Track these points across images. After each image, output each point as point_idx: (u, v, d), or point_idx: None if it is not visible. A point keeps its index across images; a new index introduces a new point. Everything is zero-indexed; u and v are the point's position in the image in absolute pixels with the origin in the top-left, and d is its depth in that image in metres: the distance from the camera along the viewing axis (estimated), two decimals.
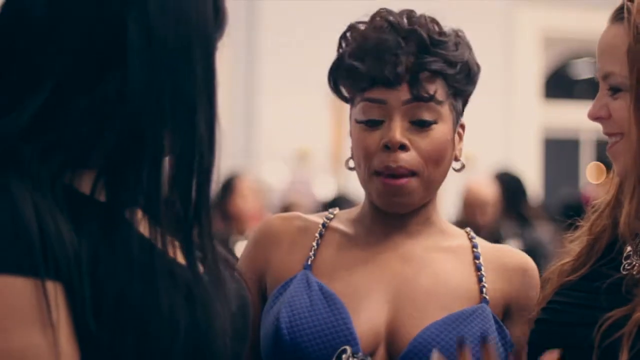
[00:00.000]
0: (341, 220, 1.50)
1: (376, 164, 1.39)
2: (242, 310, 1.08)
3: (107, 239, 0.93)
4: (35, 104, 0.94)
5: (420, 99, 1.39)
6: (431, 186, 1.43)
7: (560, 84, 9.16)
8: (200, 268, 1.02)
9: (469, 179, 5.58)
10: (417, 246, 1.46)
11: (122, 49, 0.95)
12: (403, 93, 1.39)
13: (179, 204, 0.97)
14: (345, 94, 1.45)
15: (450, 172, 1.48)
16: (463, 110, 1.49)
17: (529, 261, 1.49)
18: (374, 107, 1.40)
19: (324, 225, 1.49)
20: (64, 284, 0.89)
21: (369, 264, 1.44)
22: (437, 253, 1.46)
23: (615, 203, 1.42)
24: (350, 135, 1.46)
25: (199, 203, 0.99)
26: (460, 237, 1.50)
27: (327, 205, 5.37)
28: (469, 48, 1.46)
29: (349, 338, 1.35)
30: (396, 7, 1.48)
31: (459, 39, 1.45)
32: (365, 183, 1.43)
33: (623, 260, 1.37)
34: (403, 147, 1.38)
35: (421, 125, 1.40)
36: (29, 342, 0.86)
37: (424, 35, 1.41)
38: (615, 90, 1.36)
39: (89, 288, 0.90)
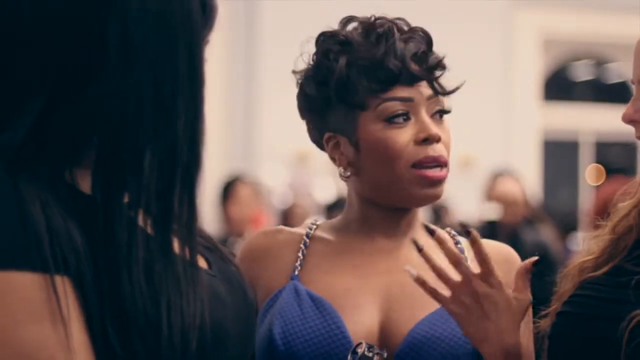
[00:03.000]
0: (324, 230, 1.52)
1: (414, 156, 1.42)
2: (246, 313, 1.08)
3: (108, 236, 0.93)
4: (31, 117, 0.95)
5: (441, 93, 1.46)
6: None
7: (559, 86, 9.17)
8: (204, 265, 1.03)
9: (485, 176, 5.57)
10: (402, 244, 1.48)
11: (104, 52, 0.95)
12: (424, 89, 1.44)
13: (158, 204, 0.97)
14: (356, 99, 1.44)
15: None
16: None
17: (511, 252, 1.52)
18: (400, 105, 1.43)
19: (307, 235, 1.51)
20: (72, 279, 0.90)
21: (356, 267, 1.46)
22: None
23: None
24: (361, 140, 1.45)
25: (181, 203, 0.99)
26: (441, 233, 1.51)
27: (328, 208, 5.37)
28: None
29: (344, 342, 1.36)
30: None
31: None
32: (397, 180, 1.43)
33: None
34: (439, 140, 1.44)
35: (439, 118, 1.46)
36: (41, 336, 0.87)
37: (427, 33, 1.47)
38: None
39: (94, 284, 0.91)
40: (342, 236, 1.49)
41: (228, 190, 4.78)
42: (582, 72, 9.41)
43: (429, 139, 1.42)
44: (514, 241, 4.62)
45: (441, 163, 1.43)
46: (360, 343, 1.35)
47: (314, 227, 1.53)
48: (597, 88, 9.29)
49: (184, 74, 0.99)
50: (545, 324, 1.47)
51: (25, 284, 0.87)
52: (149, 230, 0.97)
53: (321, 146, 1.52)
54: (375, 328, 1.40)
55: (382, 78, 1.42)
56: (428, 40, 1.46)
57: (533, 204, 5.08)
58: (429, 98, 1.44)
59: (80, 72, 0.96)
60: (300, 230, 1.53)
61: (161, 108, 0.97)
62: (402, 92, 1.42)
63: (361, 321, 1.40)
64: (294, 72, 1.51)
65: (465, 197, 6.64)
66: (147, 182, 0.96)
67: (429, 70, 1.44)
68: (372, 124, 1.43)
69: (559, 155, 9.16)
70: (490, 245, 1.51)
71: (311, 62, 1.49)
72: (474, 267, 1.45)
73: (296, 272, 1.46)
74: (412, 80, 1.42)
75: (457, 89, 1.49)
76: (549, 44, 8.53)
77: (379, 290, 1.43)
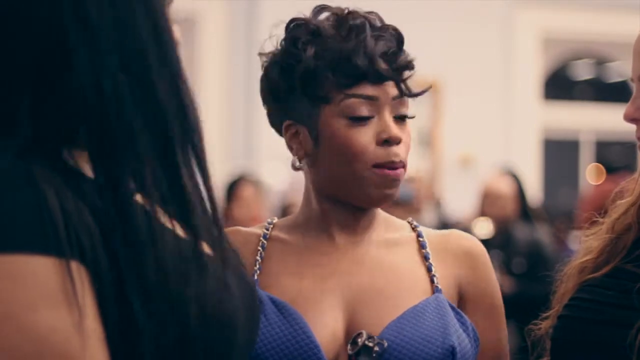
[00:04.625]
0: (281, 229, 1.49)
1: (375, 158, 1.40)
2: (251, 300, 1.09)
3: (124, 224, 0.93)
4: (26, 112, 0.95)
5: (407, 94, 1.43)
6: None
7: (559, 85, 9.17)
8: (208, 249, 1.04)
9: (485, 175, 5.56)
10: (363, 244, 1.46)
11: (67, 41, 0.95)
12: (391, 89, 1.41)
13: (166, 181, 0.97)
14: (321, 92, 1.42)
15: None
16: None
17: (476, 244, 1.49)
18: (364, 103, 1.40)
19: (264, 236, 1.48)
20: (86, 264, 0.90)
21: (317, 269, 1.43)
22: (384, 248, 1.46)
23: None
24: (321, 134, 1.43)
25: (189, 169, 0.98)
26: (404, 228, 1.50)
27: None
28: None
29: (311, 346, 1.34)
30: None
31: None
32: (356, 178, 1.41)
33: None
34: (399, 142, 1.42)
35: (403, 120, 1.44)
36: (55, 320, 0.87)
37: (399, 32, 1.44)
38: None
39: (109, 269, 0.91)
40: (301, 235, 1.46)
41: (232, 190, 4.78)
42: (583, 71, 9.41)
43: (390, 141, 1.40)
44: (506, 238, 4.63)
45: (400, 166, 1.42)
46: (360, 333, 1.33)
47: (271, 226, 1.50)
48: (598, 87, 9.30)
49: (151, 41, 0.98)
50: (547, 325, 1.46)
51: (40, 268, 0.87)
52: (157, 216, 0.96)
53: (280, 131, 1.49)
54: (341, 332, 1.38)
55: (348, 74, 1.39)
56: (399, 40, 1.43)
57: (532, 203, 5.08)
58: (395, 98, 1.41)
59: (53, 65, 0.95)
60: (257, 230, 1.49)
61: (136, 81, 0.96)
62: (368, 90, 1.40)
63: (325, 325, 1.38)
64: (260, 54, 1.48)
65: (465, 196, 6.65)
66: (146, 158, 0.95)
67: (397, 71, 1.41)
68: (335, 119, 1.41)
69: (560, 154, 9.16)
70: (455, 238, 1.50)
71: (279, 47, 1.46)
72: (438, 262, 1.45)
73: (255, 277, 1.42)
74: (378, 79, 1.40)
75: (424, 91, 1.46)
76: (549, 43, 8.53)
77: (341, 292, 1.40)
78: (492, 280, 1.49)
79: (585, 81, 9.43)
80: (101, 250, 0.91)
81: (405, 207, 4.55)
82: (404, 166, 1.42)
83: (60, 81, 0.96)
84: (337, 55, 1.40)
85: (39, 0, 0.96)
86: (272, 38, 1.46)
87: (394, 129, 1.40)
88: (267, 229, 1.49)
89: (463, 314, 1.42)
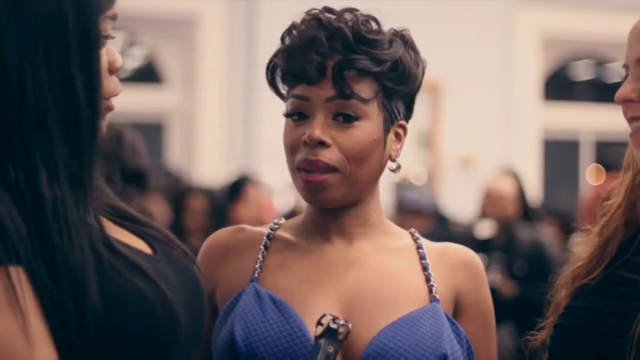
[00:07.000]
0: (286, 229, 1.50)
1: (297, 159, 1.41)
2: (195, 295, 1.09)
3: (44, 221, 0.94)
4: None
5: (343, 96, 1.40)
6: (356, 184, 1.42)
7: (559, 86, 9.18)
8: (148, 250, 1.05)
9: (485, 176, 5.56)
10: (361, 249, 1.46)
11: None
12: (326, 90, 1.40)
13: (74, 166, 0.98)
14: (282, 91, 1.46)
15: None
16: (409, 111, 1.49)
17: (472, 255, 1.50)
18: (299, 103, 1.42)
19: (268, 236, 1.49)
20: (25, 267, 0.90)
21: (315, 271, 1.44)
22: (382, 255, 1.46)
23: (627, 204, 1.42)
24: None
25: (82, 160, 0.99)
26: (405, 238, 1.50)
27: None
28: (409, 48, 1.46)
29: (306, 344, 1.35)
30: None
31: (395, 38, 1.45)
32: (292, 178, 1.44)
33: None
34: (322, 144, 1.39)
35: (342, 122, 1.41)
36: (3, 327, 0.87)
37: (349, 33, 1.41)
38: None
39: (45, 269, 0.91)
40: (302, 237, 1.48)
41: (238, 190, 4.77)
42: (582, 72, 9.41)
43: (308, 142, 1.38)
44: (509, 238, 4.63)
45: (318, 168, 1.39)
46: (324, 315, 1.33)
47: (277, 226, 1.51)
48: (597, 87, 9.30)
49: (74, 34, 0.99)
50: (544, 335, 1.46)
51: None
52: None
53: None
54: None
55: (288, 75, 1.42)
56: (344, 40, 1.40)
57: (532, 203, 5.08)
58: (330, 99, 1.39)
59: None
60: (263, 229, 1.50)
61: (56, 69, 0.97)
62: (302, 90, 1.40)
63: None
64: None
65: (465, 197, 6.65)
66: (56, 145, 0.96)
67: (333, 72, 1.39)
68: (286, 117, 1.45)
69: (559, 154, 9.17)
70: (452, 249, 1.50)
71: None
72: (437, 273, 1.45)
73: (256, 275, 1.44)
74: (309, 80, 1.40)
75: (353, 94, 1.40)
76: (549, 43, 8.53)
77: (338, 297, 1.41)
78: (488, 291, 1.49)
79: (585, 82, 9.43)
80: (30, 247, 0.91)
81: (417, 216, 4.54)
82: (327, 169, 1.39)
83: None
84: (280, 58, 1.44)
85: None
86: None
87: (315, 130, 1.39)
88: (273, 229, 1.50)
89: (459, 326, 1.43)
